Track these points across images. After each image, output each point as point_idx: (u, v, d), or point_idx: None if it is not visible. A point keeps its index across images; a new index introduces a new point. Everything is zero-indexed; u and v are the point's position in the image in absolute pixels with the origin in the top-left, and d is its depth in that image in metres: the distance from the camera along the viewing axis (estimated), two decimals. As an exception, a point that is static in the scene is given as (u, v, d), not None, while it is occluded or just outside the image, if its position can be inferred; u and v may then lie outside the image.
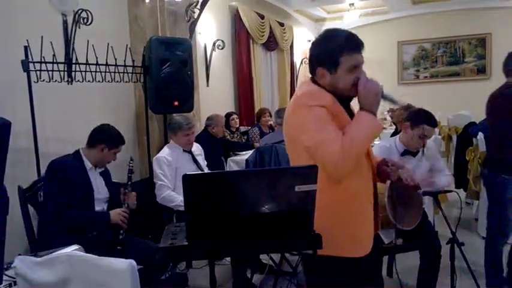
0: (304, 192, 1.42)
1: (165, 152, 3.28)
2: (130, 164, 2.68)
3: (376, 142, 3.01)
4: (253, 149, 4.07)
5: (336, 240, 1.58)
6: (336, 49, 1.57)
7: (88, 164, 2.60)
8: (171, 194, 3.12)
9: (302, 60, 8.28)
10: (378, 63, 8.70)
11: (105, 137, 2.61)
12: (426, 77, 8.62)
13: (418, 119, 2.67)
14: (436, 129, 6.27)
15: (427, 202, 2.84)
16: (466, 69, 8.39)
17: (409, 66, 8.74)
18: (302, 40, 8.47)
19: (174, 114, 3.63)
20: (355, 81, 1.58)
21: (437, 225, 3.55)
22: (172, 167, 3.19)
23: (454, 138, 5.33)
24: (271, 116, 5.60)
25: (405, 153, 2.79)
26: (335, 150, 1.49)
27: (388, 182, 2.46)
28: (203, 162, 3.50)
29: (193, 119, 3.49)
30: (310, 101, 1.57)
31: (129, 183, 2.66)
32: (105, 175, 2.71)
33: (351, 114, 1.68)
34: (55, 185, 2.44)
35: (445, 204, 4.09)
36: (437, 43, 8.60)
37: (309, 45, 1.76)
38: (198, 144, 3.51)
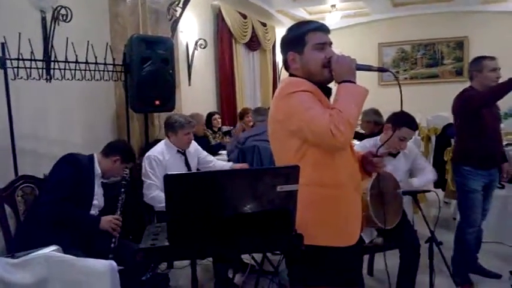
0: (286, 192, 1.43)
1: (158, 150, 3.21)
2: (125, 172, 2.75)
3: (356, 143, 3.05)
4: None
5: (322, 230, 1.60)
6: (301, 30, 1.67)
7: (98, 170, 2.65)
8: (161, 195, 3.02)
9: (284, 60, 8.29)
10: (359, 64, 8.82)
11: (121, 150, 2.73)
12: (406, 78, 8.75)
13: (399, 121, 2.70)
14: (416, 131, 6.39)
15: (406, 201, 2.89)
16: (444, 71, 8.55)
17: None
18: (284, 40, 8.49)
19: (172, 113, 3.57)
20: (325, 61, 1.63)
21: (417, 224, 3.60)
22: (163, 166, 3.13)
23: (433, 139, 5.42)
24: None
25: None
26: (326, 119, 1.48)
27: (370, 182, 2.50)
28: (195, 164, 3.43)
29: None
30: (293, 88, 1.60)
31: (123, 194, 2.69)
32: (105, 185, 2.74)
33: None
34: (63, 175, 2.47)
35: (424, 204, 4.16)
36: (416, 45, 8.74)
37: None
38: (194, 142, 3.44)
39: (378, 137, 2.94)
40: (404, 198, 2.77)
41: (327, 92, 1.71)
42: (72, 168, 2.50)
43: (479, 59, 3.00)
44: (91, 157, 2.66)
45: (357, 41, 8.70)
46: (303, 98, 1.56)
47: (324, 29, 1.68)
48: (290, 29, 1.75)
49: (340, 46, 10.14)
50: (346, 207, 1.67)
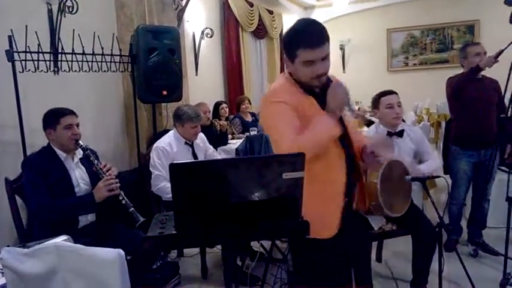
0: (292, 179, 1.43)
1: (166, 141, 3.22)
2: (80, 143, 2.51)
3: (366, 130, 3.08)
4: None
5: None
6: (294, 41, 1.70)
7: (62, 154, 2.49)
8: (168, 186, 3.06)
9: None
10: (367, 50, 8.72)
11: (44, 119, 2.49)
12: (415, 64, 8.65)
13: (375, 99, 2.91)
14: (425, 116, 6.33)
15: (416, 188, 2.88)
16: (454, 56, 8.41)
17: (398, 53, 8.76)
18: (291, 28, 8.42)
19: (181, 104, 3.57)
20: (314, 76, 1.69)
21: (426, 210, 3.61)
22: (171, 158, 3.14)
23: (443, 124, 5.37)
24: (250, 103, 5.61)
25: (389, 135, 2.84)
26: (286, 144, 1.63)
27: (380, 170, 2.49)
28: (203, 154, 3.44)
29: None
30: (274, 98, 1.73)
31: (93, 159, 2.52)
32: (86, 161, 2.55)
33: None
34: (28, 180, 2.38)
35: (433, 190, 4.15)
36: (426, 30, 8.61)
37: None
38: (201, 134, 3.46)
39: (377, 122, 2.95)
40: (413, 185, 2.76)
41: (322, 91, 1.76)
42: (31, 171, 2.38)
43: (464, 47, 3.30)
44: (47, 146, 2.50)
45: (365, 26, 8.60)
46: (278, 110, 1.69)
47: (313, 45, 1.67)
48: (287, 33, 1.79)
49: (348, 32, 10.04)
50: (326, 202, 1.77)
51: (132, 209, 2.44)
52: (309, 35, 1.69)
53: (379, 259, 3.28)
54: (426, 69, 8.49)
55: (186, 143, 3.29)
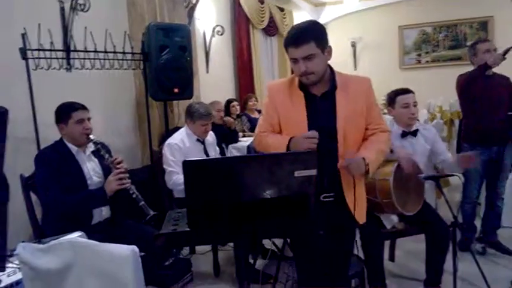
0: (304, 177, 1.42)
1: (178, 138, 3.24)
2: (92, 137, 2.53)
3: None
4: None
5: None
6: (285, 39, 1.83)
7: (73, 148, 2.50)
8: (180, 178, 3.07)
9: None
10: (379, 48, 8.63)
11: (56, 113, 2.52)
12: (428, 61, 8.54)
13: (391, 97, 2.86)
14: (438, 114, 6.26)
15: (429, 186, 2.84)
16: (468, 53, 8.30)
17: (411, 50, 8.65)
18: (302, 25, 8.37)
19: (193, 102, 3.59)
20: (298, 74, 1.82)
21: (440, 209, 3.57)
22: (183, 153, 3.16)
23: (457, 122, 5.31)
24: (257, 100, 5.59)
25: (404, 134, 2.80)
26: (257, 131, 2.01)
27: (393, 168, 2.47)
28: (214, 152, 3.48)
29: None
30: (267, 91, 1.99)
31: (104, 153, 2.53)
32: (98, 154, 2.56)
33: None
34: (41, 176, 2.40)
35: (447, 188, 4.10)
36: (438, 27, 8.49)
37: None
38: (212, 133, 3.48)
39: (392, 122, 2.89)
40: (427, 183, 2.73)
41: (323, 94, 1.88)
42: (43, 165, 2.40)
43: (474, 44, 3.31)
44: (59, 140, 2.52)
45: (377, 24, 8.51)
46: (264, 104, 2.01)
47: (293, 44, 1.77)
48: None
49: (359, 30, 9.97)
50: None
51: (143, 202, 2.45)
52: (292, 34, 1.80)
53: (392, 258, 3.25)
54: (439, 67, 8.37)
55: (197, 140, 3.30)
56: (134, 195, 2.44)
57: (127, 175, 2.48)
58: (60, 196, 2.36)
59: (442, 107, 6.53)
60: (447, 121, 5.70)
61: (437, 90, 6.93)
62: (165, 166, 3.19)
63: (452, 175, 2.81)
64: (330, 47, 1.83)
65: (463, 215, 3.37)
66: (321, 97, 1.87)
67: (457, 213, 2.47)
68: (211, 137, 3.47)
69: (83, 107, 2.53)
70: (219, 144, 4.03)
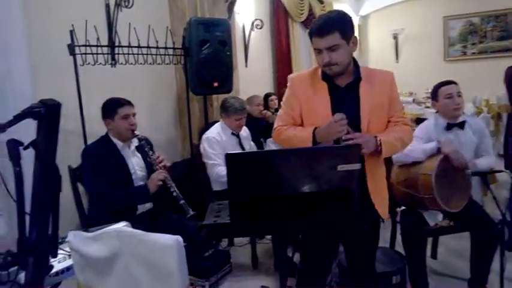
0: (347, 171, 1.40)
1: (215, 132, 3.31)
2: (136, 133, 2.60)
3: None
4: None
5: None
6: (310, 29, 1.81)
7: (118, 143, 2.57)
8: (223, 169, 3.12)
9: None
10: (422, 39, 8.36)
11: (103, 109, 2.59)
12: (474, 53, 8.19)
13: (435, 90, 2.78)
14: (485, 108, 6.01)
15: (476, 183, 2.73)
16: (518, 44, 7.90)
17: (456, 42, 8.32)
18: (342, 17, 8.23)
19: (228, 96, 3.64)
20: (321, 64, 1.80)
21: (486, 206, 3.44)
22: (221, 146, 3.22)
23: (504, 117, 5.08)
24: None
25: (450, 127, 2.70)
26: (277, 123, 1.99)
27: (436, 162, 2.40)
28: (249, 146, 3.52)
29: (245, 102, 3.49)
30: (288, 82, 1.97)
31: (148, 149, 2.60)
32: (141, 149, 2.63)
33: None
34: (86, 170, 2.48)
35: (494, 185, 3.94)
36: (486, 17, 8.12)
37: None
38: (245, 127, 3.52)
39: (437, 115, 2.79)
40: (473, 180, 2.63)
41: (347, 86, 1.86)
42: (89, 160, 2.48)
43: None
44: (105, 135, 2.59)
45: (419, 15, 8.23)
46: (285, 94, 1.98)
47: (317, 34, 1.75)
48: None
49: (401, 21, 9.68)
50: None
51: (183, 201, 2.50)
52: (317, 24, 1.76)
53: (434, 255, 3.17)
54: (486, 58, 8.01)
55: (232, 133, 3.36)
56: (175, 194, 2.51)
57: (168, 176, 2.54)
58: (105, 190, 2.45)
59: (489, 100, 6.27)
60: (494, 115, 5.48)
61: (484, 83, 6.64)
62: (205, 160, 3.25)
63: (501, 171, 2.70)
64: (356, 38, 1.80)
65: (510, 213, 3.23)
66: (344, 88, 1.85)
67: (505, 211, 2.36)
68: (245, 131, 3.51)
69: (129, 103, 2.59)
70: (257, 139, 4.05)
